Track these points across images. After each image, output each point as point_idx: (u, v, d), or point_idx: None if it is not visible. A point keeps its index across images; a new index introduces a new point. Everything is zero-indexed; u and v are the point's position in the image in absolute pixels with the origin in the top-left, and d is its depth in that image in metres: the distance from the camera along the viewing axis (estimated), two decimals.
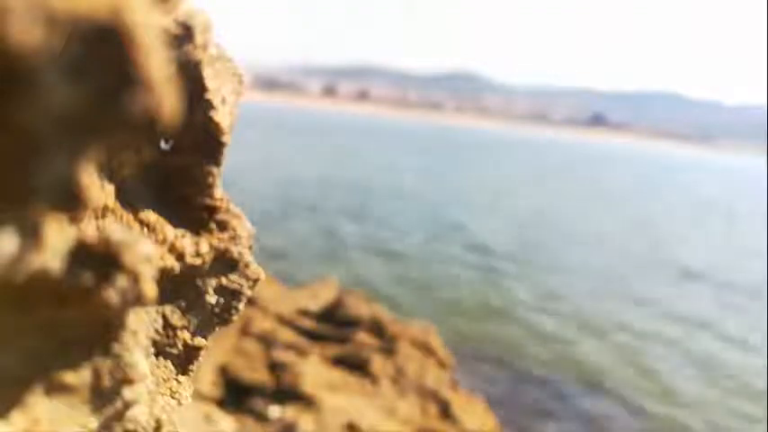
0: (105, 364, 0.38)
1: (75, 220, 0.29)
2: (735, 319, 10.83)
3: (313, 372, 5.25)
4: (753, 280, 13.68)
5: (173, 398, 0.50)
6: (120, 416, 0.42)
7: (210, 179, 0.50)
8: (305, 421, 4.53)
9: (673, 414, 6.99)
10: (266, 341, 5.79)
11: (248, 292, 0.53)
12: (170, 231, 0.47)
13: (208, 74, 0.47)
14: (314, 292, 7.42)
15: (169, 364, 0.50)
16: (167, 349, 0.50)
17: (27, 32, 0.20)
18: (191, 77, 0.47)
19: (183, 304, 0.50)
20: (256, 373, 5.22)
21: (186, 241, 0.48)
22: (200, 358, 0.53)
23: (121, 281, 0.31)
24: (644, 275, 13.30)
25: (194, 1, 0.46)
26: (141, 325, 0.44)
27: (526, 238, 15.90)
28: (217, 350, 5.31)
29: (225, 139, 0.49)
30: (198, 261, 0.49)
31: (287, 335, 6.08)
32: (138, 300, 0.32)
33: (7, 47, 0.20)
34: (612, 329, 9.49)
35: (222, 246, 0.51)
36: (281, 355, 5.53)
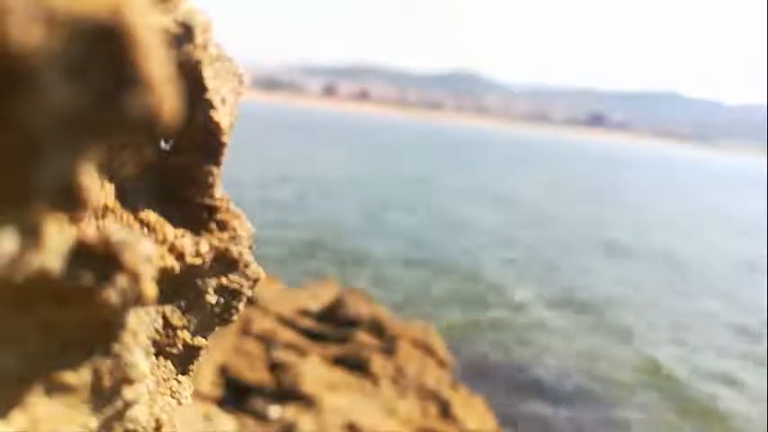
0: (105, 364, 0.38)
1: (75, 220, 0.29)
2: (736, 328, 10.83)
3: (313, 372, 5.25)
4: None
5: (173, 398, 0.50)
6: (120, 416, 0.42)
7: (210, 179, 0.50)
8: (305, 421, 4.53)
9: (674, 415, 6.99)
10: (266, 341, 5.79)
11: (248, 292, 0.53)
12: (170, 231, 0.47)
13: (208, 74, 0.47)
14: (314, 292, 7.43)
15: (169, 363, 0.50)
16: (167, 349, 0.50)
17: (27, 32, 0.20)
18: (191, 77, 0.47)
19: (182, 304, 0.50)
20: (256, 373, 5.22)
21: (186, 241, 0.48)
22: (200, 358, 0.53)
23: (121, 281, 0.31)
24: (649, 278, 13.30)
25: (194, 1, 0.46)
26: (141, 325, 0.44)
27: (529, 238, 15.90)
28: (217, 350, 5.31)
29: (225, 138, 0.49)
30: (198, 261, 0.49)
31: (287, 335, 6.08)
32: (139, 300, 0.32)
33: (7, 47, 0.20)
34: (614, 329, 9.49)
35: (222, 246, 0.50)
36: (281, 355, 5.53)
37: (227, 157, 0.51)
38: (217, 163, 0.50)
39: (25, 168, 0.22)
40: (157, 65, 0.23)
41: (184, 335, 0.50)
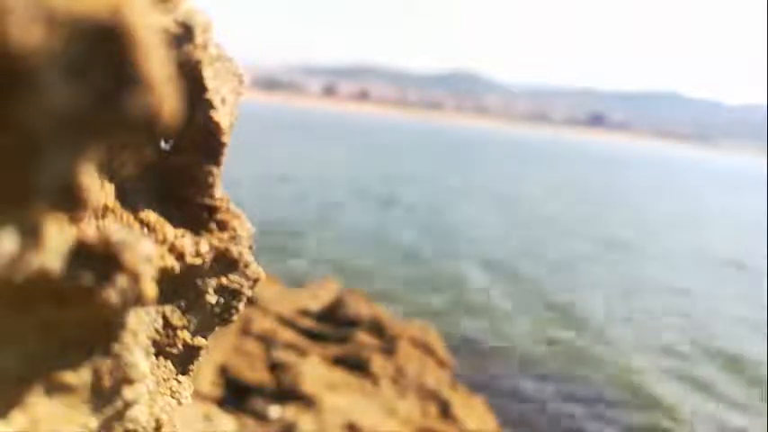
0: (105, 364, 0.38)
1: (75, 220, 0.29)
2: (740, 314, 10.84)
3: (313, 372, 5.25)
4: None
5: (173, 397, 0.50)
6: (120, 416, 0.42)
7: (210, 179, 0.50)
8: (305, 421, 4.53)
9: (675, 415, 6.99)
10: (266, 341, 5.79)
11: (248, 292, 0.53)
12: (170, 231, 0.47)
13: (208, 74, 0.47)
14: (314, 292, 7.43)
15: (169, 363, 0.50)
16: (167, 349, 0.50)
17: (27, 32, 0.20)
18: (191, 77, 0.47)
19: (182, 304, 0.50)
20: (256, 373, 5.22)
21: (186, 241, 0.48)
22: (200, 358, 0.53)
23: (121, 281, 0.31)
24: (649, 278, 13.31)
25: (194, 1, 0.46)
26: (141, 325, 0.44)
27: (529, 238, 15.90)
28: (217, 350, 5.31)
29: (225, 138, 0.49)
30: (198, 261, 0.49)
31: (287, 335, 6.08)
32: (139, 300, 0.32)
33: (7, 47, 0.20)
34: (615, 330, 9.49)
35: (222, 246, 0.50)
36: (281, 355, 5.53)
37: (227, 157, 0.51)
38: (217, 163, 0.50)
39: (25, 168, 0.22)
40: (157, 65, 0.23)
41: (184, 335, 0.50)
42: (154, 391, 0.47)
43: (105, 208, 0.43)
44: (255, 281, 0.54)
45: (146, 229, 0.46)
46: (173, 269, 0.47)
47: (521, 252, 14.20)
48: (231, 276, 0.52)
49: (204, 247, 0.49)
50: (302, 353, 5.69)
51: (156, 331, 0.49)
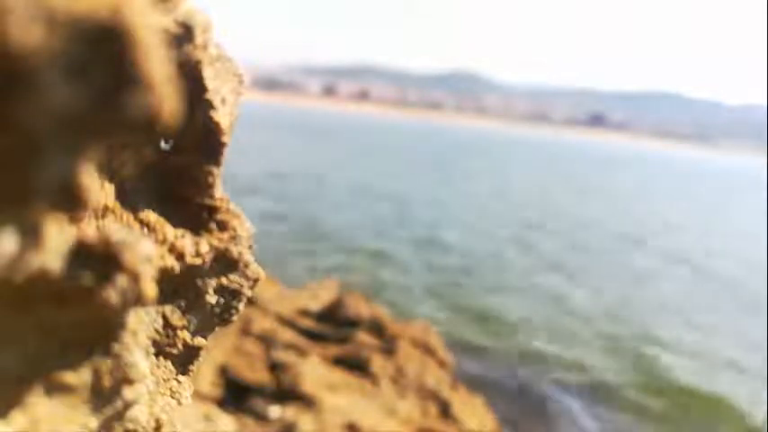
0: (105, 364, 0.38)
1: (75, 220, 0.29)
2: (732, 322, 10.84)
3: (313, 372, 5.25)
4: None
5: (173, 398, 0.50)
6: (120, 416, 0.42)
7: (210, 179, 0.50)
8: (305, 421, 4.53)
9: (676, 415, 6.98)
10: (266, 341, 5.79)
11: (248, 292, 0.53)
12: (170, 231, 0.47)
13: (208, 74, 0.47)
14: (314, 292, 7.42)
15: (169, 364, 0.50)
16: (167, 349, 0.50)
17: (27, 32, 0.20)
18: (191, 77, 0.47)
19: (182, 304, 0.50)
20: (256, 373, 5.22)
21: (186, 241, 0.48)
22: (200, 358, 0.53)
23: (121, 281, 0.31)
24: (650, 278, 13.31)
25: (194, 1, 0.46)
26: (141, 325, 0.44)
27: (530, 238, 15.90)
28: (217, 350, 5.31)
29: (225, 139, 0.49)
30: (198, 261, 0.49)
31: (287, 335, 6.08)
32: (138, 300, 0.32)
33: (7, 47, 0.20)
34: (614, 330, 9.49)
35: (222, 246, 0.50)
36: (281, 355, 5.53)
37: (227, 157, 0.51)
38: (217, 163, 0.50)
39: (25, 168, 0.22)
40: (157, 65, 0.23)
41: (184, 335, 0.50)
42: (154, 391, 0.47)
43: (105, 208, 0.43)
44: (255, 281, 0.54)
45: (146, 229, 0.46)
46: (173, 269, 0.47)
47: (520, 252, 14.20)
48: (231, 276, 0.52)
49: (204, 248, 0.49)
50: (302, 353, 5.69)
51: (156, 331, 0.49)
